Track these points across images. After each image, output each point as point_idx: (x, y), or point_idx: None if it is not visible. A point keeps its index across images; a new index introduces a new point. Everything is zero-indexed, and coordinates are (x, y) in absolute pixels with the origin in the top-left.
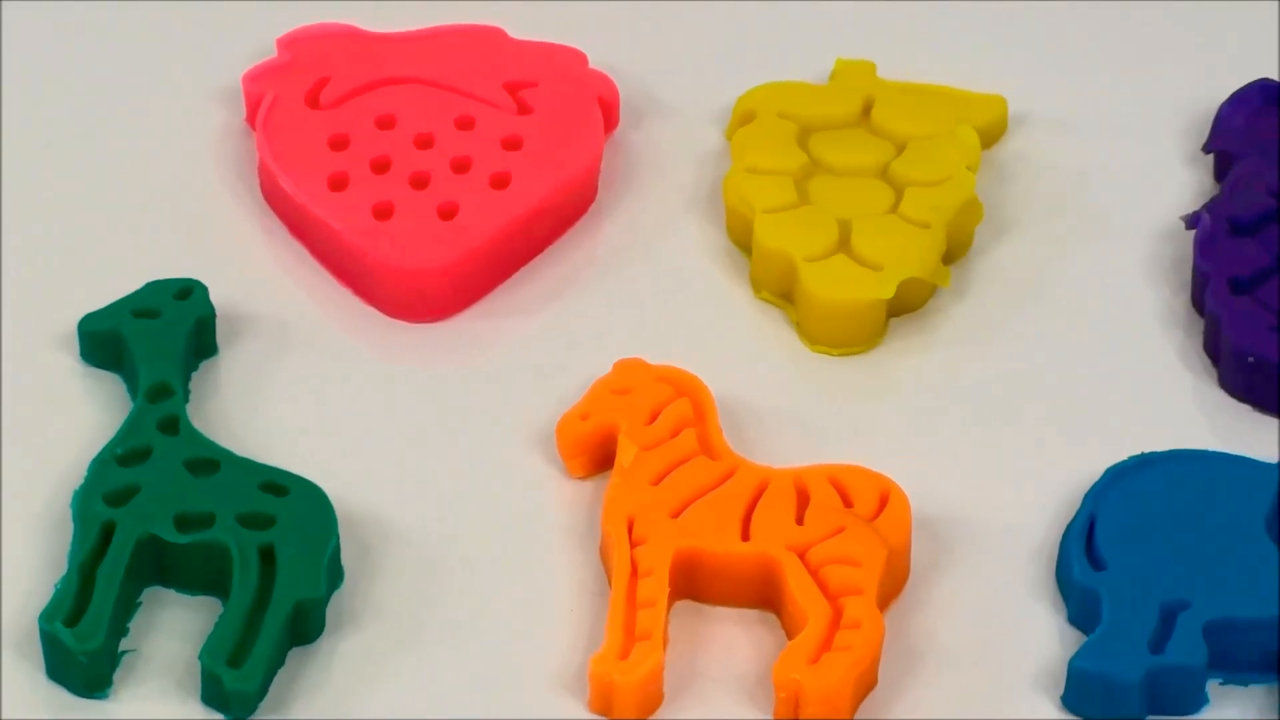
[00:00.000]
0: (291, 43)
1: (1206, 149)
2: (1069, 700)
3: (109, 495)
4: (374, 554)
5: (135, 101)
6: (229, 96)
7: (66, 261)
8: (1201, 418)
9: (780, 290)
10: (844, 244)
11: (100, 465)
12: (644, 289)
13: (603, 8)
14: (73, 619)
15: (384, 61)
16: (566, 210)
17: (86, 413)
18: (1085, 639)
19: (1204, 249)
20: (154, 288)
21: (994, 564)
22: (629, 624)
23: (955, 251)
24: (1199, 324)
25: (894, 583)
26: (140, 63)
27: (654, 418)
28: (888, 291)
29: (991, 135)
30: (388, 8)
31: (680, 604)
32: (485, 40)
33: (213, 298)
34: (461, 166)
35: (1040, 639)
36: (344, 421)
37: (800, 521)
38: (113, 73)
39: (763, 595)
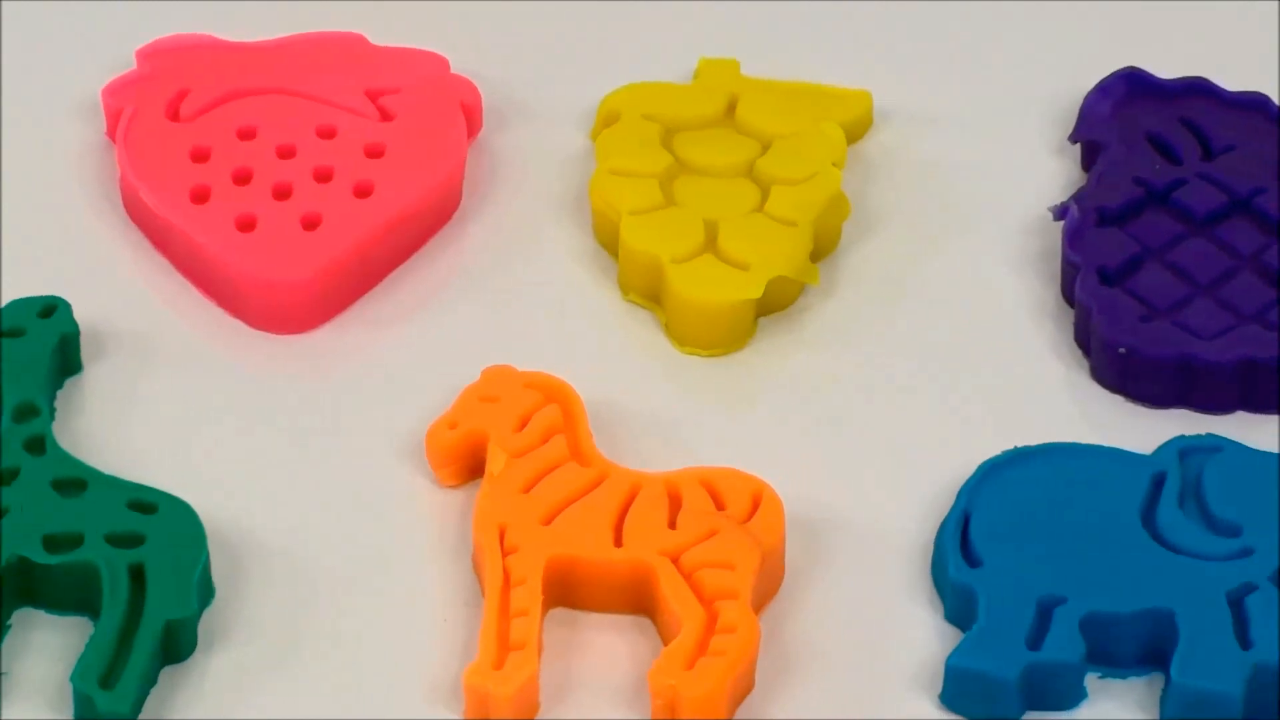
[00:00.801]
0: (151, 55)
1: (1073, 139)
2: (947, 698)
3: None
4: (245, 569)
5: None
6: (89, 110)
7: None
8: (1074, 410)
9: (648, 292)
10: (711, 244)
11: None
12: (511, 294)
13: (464, 12)
14: None
15: (244, 72)
16: (431, 217)
17: None
18: (962, 636)
19: (1073, 240)
20: (16, 306)
21: (869, 563)
22: (503, 634)
23: (823, 249)
24: (1069, 315)
25: (769, 585)
26: None
27: (523, 425)
28: (756, 291)
29: (857, 131)
30: (248, 17)
31: (554, 612)
32: (346, 47)
33: (76, 314)
34: (324, 176)
35: (917, 638)
36: (211, 436)
37: (673, 526)
38: None
39: (637, 601)
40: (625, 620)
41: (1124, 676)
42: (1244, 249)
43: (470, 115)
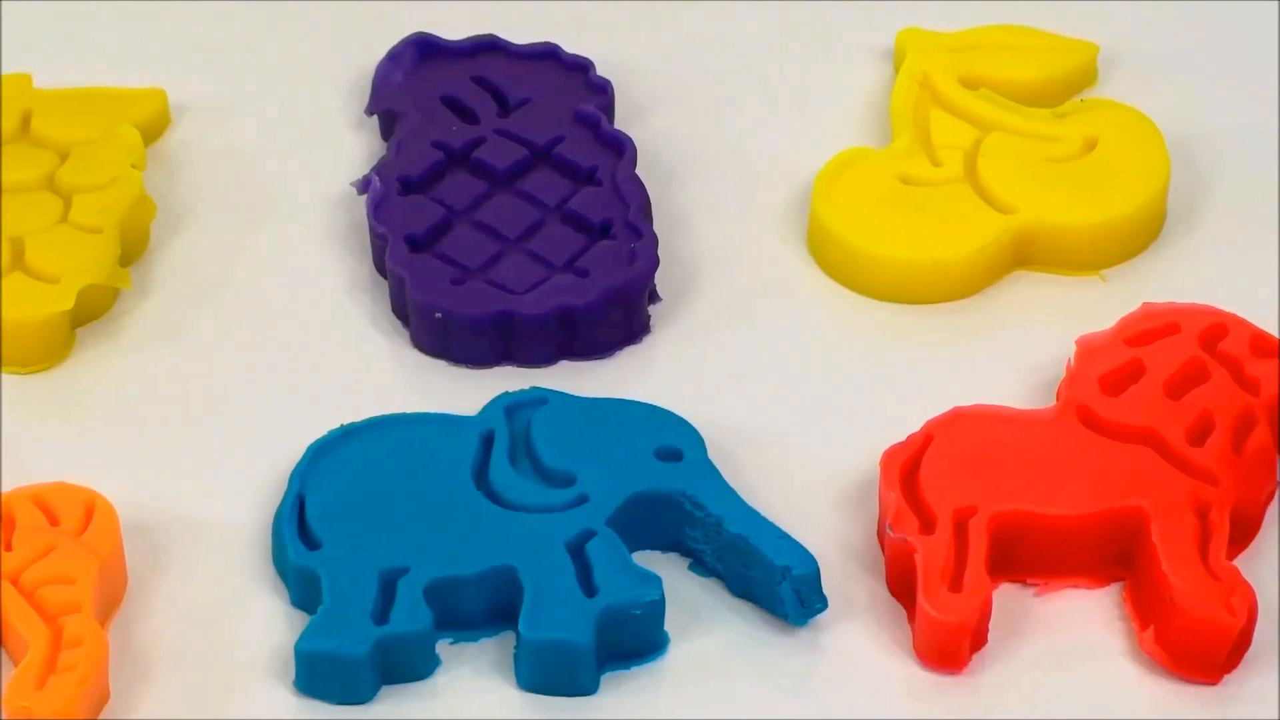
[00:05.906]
0: None
1: (369, 111)
2: (301, 684)
3: None
4: None
5: None
6: None
7: None
8: (399, 380)
9: None
10: (18, 261)
11: None
12: None
13: None
14: None
15: None
16: None
17: None
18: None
19: (377, 211)
20: None
21: (213, 559)
22: None
23: (133, 251)
24: (384, 287)
25: (112, 594)
26: None
27: None
28: (67, 303)
29: (154, 130)
30: None
31: None
32: None
33: None
34: None
35: (268, 627)
36: None
37: (9, 547)
38: None
39: None
40: None
41: (476, 639)
42: (549, 200)
43: None
